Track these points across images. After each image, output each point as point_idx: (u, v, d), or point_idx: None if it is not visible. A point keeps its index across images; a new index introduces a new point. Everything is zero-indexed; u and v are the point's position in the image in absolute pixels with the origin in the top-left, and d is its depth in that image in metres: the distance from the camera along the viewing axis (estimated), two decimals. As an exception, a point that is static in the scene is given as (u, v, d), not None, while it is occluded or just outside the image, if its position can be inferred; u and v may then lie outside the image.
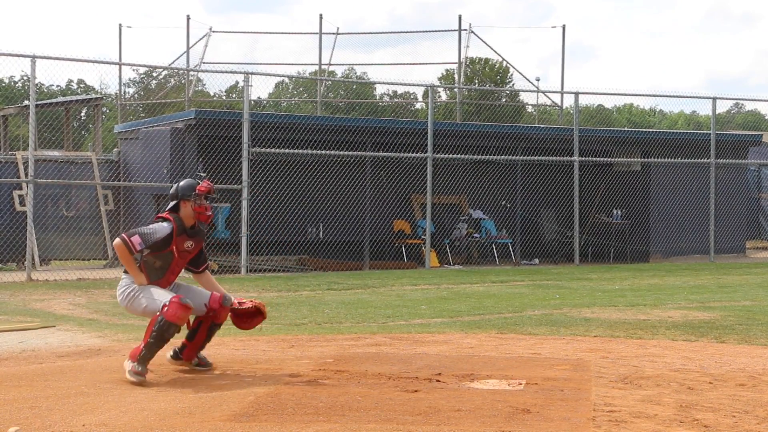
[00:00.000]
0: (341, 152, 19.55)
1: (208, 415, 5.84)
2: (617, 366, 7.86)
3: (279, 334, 9.81)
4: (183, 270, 7.48)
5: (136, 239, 7.08)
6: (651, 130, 38.63)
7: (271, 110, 34.12)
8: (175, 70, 28.62)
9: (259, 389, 6.65)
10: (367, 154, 19.96)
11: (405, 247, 20.97)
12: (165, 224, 7.25)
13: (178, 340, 7.42)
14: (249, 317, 7.54)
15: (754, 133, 28.79)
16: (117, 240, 7.13)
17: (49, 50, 68.42)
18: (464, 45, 25.98)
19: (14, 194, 18.50)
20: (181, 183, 7.41)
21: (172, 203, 7.37)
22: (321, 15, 26.89)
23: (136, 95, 39.26)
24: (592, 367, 7.76)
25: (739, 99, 41.30)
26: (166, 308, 6.93)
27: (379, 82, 32.53)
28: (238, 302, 7.49)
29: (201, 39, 26.57)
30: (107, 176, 19.71)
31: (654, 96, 42.85)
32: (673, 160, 22.54)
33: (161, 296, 7.08)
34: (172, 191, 7.41)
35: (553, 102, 28.08)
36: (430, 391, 6.65)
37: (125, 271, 7.28)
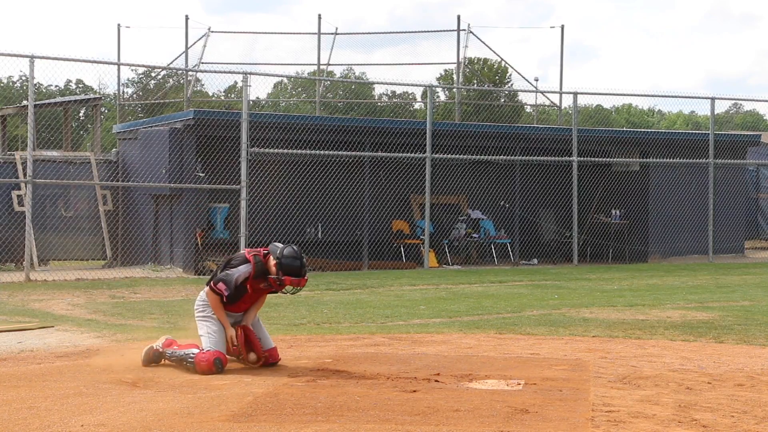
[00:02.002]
0: (340, 152, 19.54)
1: (206, 416, 5.84)
2: (616, 366, 7.86)
3: (278, 334, 9.80)
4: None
5: (221, 286, 7.48)
6: (649, 130, 38.65)
7: (270, 110, 34.11)
8: (174, 71, 28.61)
9: (258, 389, 6.66)
10: (365, 154, 19.96)
11: (404, 247, 20.97)
12: (245, 267, 7.52)
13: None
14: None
15: (752, 133, 28.82)
16: (207, 291, 7.56)
17: (47, 50, 68.47)
18: (463, 45, 25.99)
19: (13, 194, 18.49)
20: (287, 250, 7.48)
21: (268, 252, 7.56)
22: (320, 15, 26.90)
23: (134, 95, 39.27)
24: (590, 367, 7.76)
25: (738, 99, 41.21)
26: (201, 357, 7.29)
27: (378, 83, 32.45)
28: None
29: (200, 39, 26.56)
30: (106, 176, 19.70)
31: (652, 96, 42.85)
32: (671, 160, 22.54)
33: (212, 341, 7.42)
34: (277, 252, 7.49)
35: (551, 102, 28.09)
36: (429, 392, 6.65)
37: (208, 284, 7.62)
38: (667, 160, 22.57)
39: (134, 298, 13.94)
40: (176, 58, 26.76)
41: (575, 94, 22.25)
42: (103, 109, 31.61)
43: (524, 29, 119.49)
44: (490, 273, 18.77)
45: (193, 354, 7.32)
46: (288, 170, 19.80)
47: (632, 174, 23.15)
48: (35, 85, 17.12)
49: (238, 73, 19.52)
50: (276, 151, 18.52)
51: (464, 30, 26.03)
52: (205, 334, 7.47)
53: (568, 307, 12.80)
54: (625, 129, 36.90)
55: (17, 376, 7.15)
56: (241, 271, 7.52)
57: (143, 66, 44.12)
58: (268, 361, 7.61)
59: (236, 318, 7.68)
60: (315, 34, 26.96)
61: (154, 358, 7.54)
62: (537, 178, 22.49)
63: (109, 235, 19.39)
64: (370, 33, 70.95)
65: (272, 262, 7.51)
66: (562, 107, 27.31)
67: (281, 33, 70.82)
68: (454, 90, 29.67)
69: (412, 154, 20.02)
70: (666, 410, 6.14)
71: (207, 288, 7.59)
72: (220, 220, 19.57)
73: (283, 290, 7.64)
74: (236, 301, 7.60)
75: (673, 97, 25.43)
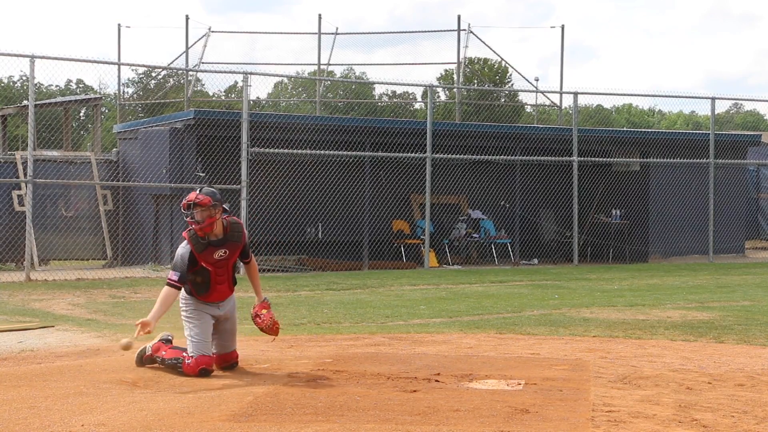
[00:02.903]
0: (340, 152, 19.54)
1: (206, 415, 5.84)
2: (616, 366, 7.86)
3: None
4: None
5: (172, 275, 7.27)
6: (650, 130, 38.67)
7: (270, 110, 34.10)
8: (174, 70, 28.63)
9: (258, 389, 6.65)
10: (366, 154, 19.96)
11: (404, 247, 20.97)
12: (183, 248, 7.33)
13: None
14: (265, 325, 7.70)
15: (753, 133, 28.84)
16: (164, 287, 7.27)
17: (48, 50, 68.44)
18: (463, 45, 25.99)
19: (13, 194, 18.49)
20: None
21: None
22: (320, 15, 26.90)
23: (135, 95, 39.27)
24: (590, 367, 7.76)
25: (738, 99, 41.25)
26: (188, 361, 7.18)
27: (378, 82, 32.48)
28: (259, 308, 7.68)
29: (200, 39, 26.57)
30: (106, 176, 19.70)
31: (653, 96, 42.74)
32: (671, 160, 22.54)
33: (197, 344, 7.22)
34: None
35: (552, 102, 28.10)
36: (429, 391, 6.65)
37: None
38: (668, 160, 22.57)
39: (135, 297, 13.94)
40: (176, 58, 26.80)
41: (575, 94, 22.24)
42: (103, 108, 31.62)
43: (524, 29, 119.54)
44: (491, 273, 18.76)
45: (181, 361, 7.22)
46: (288, 170, 19.80)
47: (632, 174, 23.14)
48: (36, 84, 17.12)
49: (239, 73, 19.51)
50: (276, 151, 18.52)
51: (464, 30, 26.04)
52: (188, 337, 7.28)
53: (569, 307, 12.80)
54: (625, 129, 36.92)
55: (18, 376, 7.15)
56: (181, 251, 7.28)
57: (144, 66, 44.16)
58: (221, 365, 7.41)
59: (229, 306, 7.47)
60: (315, 33, 26.97)
61: (147, 361, 7.44)
62: (537, 178, 22.49)
63: (109, 234, 19.39)
64: (370, 33, 71.02)
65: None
66: (563, 107, 27.32)
67: (281, 33, 70.86)
68: (455, 90, 29.67)
69: (413, 154, 20.02)
70: (666, 410, 6.14)
71: (178, 253, 7.28)
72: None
73: (194, 220, 7.22)
74: (208, 286, 7.32)
75: (673, 97, 25.43)
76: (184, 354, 7.24)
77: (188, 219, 7.29)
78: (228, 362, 7.46)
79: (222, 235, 7.39)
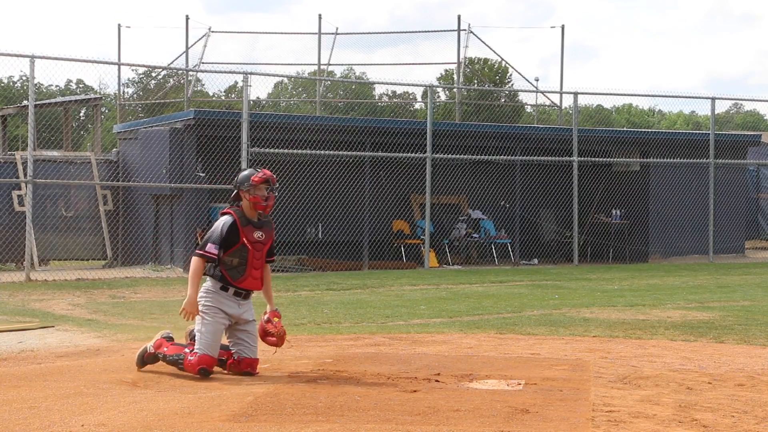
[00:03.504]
0: (340, 152, 19.54)
1: (207, 415, 5.84)
2: (616, 366, 7.86)
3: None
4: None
5: (209, 247, 7.12)
6: (650, 130, 38.66)
7: (270, 110, 34.11)
8: (174, 70, 28.62)
9: (258, 389, 6.65)
10: (366, 154, 19.96)
11: (404, 247, 20.97)
12: (226, 218, 7.23)
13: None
14: (266, 334, 7.53)
15: (753, 133, 28.83)
16: (193, 259, 7.15)
17: (48, 50, 68.44)
18: (463, 45, 26.00)
19: (13, 194, 18.49)
20: (240, 174, 7.35)
21: (236, 200, 7.34)
22: (320, 15, 26.90)
23: (135, 95, 39.28)
24: (591, 367, 7.76)
25: (738, 99, 41.18)
26: (190, 358, 7.09)
27: (378, 82, 32.50)
28: (270, 315, 7.47)
29: (200, 39, 26.58)
30: (106, 176, 19.70)
31: (653, 96, 42.75)
32: (672, 160, 22.54)
33: (206, 342, 7.10)
34: (236, 184, 7.35)
35: (552, 102, 28.10)
36: (429, 391, 6.65)
37: (210, 275, 7.25)
38: (668, 160, 22.57)
39: (135, 298, 13.94)
40: (177, 58, 26.80)
41: (575, 94, 22.24)
42: (103, 109, 31.61)
43: (524, 29, 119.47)
44: (491, 273, 18.76)
45: (183, 358, 7.13)
46: (288, 170, 19.79)
47: (632, 174, 23.15)
48: (36, 85, 17.12)
49: (239, 73, 19.50)
50: (276, 151, 18.52)
51: (464, 30, 26.04)
52: (198, 332, 7.16)
53: (569, 307, 12.80)
54: (625, 129, 36.91)
55: (18, 376, 7.15)
56: (224, 223, 7.15)
57: (144, 66, 44.22)
58: (243, 368, 7.26)
59: (248, 308, 7.31)
60: (315, 34, 26.98)
61: (149, 360, 7.31)
62: (537, 178, 22.49)
63: (109, 235, 19.39)
64: (370, 33, 71.03)
65: (243, 197, 7.24)
66: (563, 107, 27.32)
67: (281, 33, 70.86)
68: (455, 90, 29.68)
69: (413, 154, 20.02)
70: (666, 410, 6.14)
71: (193, 258, 7.16)
72: (220, 220, 19.55)
73: (266, 196, 7.22)
74: (244, 269, 7.19)
75: (673, 97, 25.45)
76: (186, 350, 7.16)
77: (254, 195, 7.20)
78: (251, 367, 7.25)
79: (257, 220, 7.34)
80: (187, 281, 7.21)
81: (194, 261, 7.18)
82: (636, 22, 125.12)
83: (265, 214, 7.41)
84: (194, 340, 7.25)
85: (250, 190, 7.25)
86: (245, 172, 7.35)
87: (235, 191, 7.33)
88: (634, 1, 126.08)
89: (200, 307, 7.19)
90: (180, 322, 7.50)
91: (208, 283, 7.28)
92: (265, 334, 7.46)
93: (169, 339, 7.41)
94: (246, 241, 7.21)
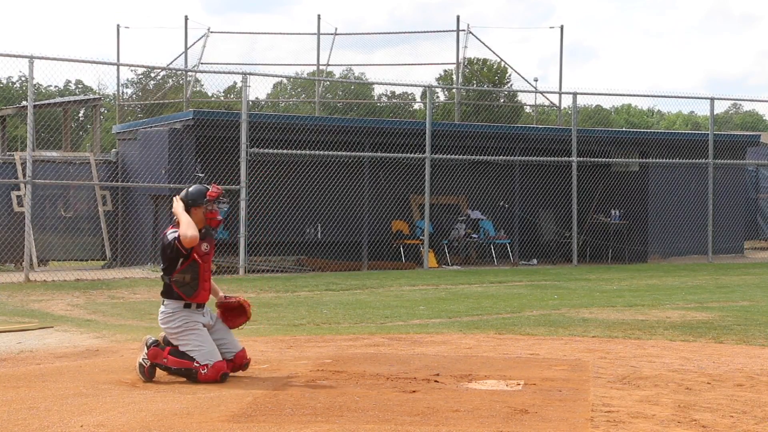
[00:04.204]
0: (339, 153, 19.54)
1: (206, 416, 5.84)
2: (615, 366, 7.86)
3: (277, 335, 9.81)
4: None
5: (180, 238, 7.13)
6: (649, 130, 38.66)
7: (270, 111, 34.09)
8: (174, 71, 28.61)
9: (257, 390, 6.66)
10: (365, 154, 19.95)
11: (403, 247, 20.96)
12: (173, 230, 7.25)
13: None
14: (234, 316, 7.52)
15: (752, 133, 28.83)
16: (174, 241, 7.17)
17: (47, 51, 68.42)
18: (462, 45, 26.00)
19: (12, 195, 18.49)
20: (191, 189, 7.43)
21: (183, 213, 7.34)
22: (319, 15, 26.89)
23: (134, 96, 39.26)
24: (590, 368, 7.76)
25: (738, 99, 41.26)
26: (205, 371, 7.00)
27: (377, 83, 32.48)
28: (225, 297, 7.55)
29: (199, 39, 26.55)
30: (105, 177, 19.69)
31: (652, 96, 42.84)
32: (671, 160, 22.55)
33: (208, 353, 7.07)
34: (181, 196, 7.40)
35: (551, 102, 28.09)
36: (429, 392, 6.65)
37: (166, 296, 7.26)
38: (667, 160, 22.57)
39: (134, 298, 13.94)
40: (176, 59, 26.77)
41: (575, 94, 22.24)
42: (102, 109, 31.61)
43: (524, 29, 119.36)
44: (490, 273, 18.76)
45: (194, 371, 7.02)
46: (287, 171, 19.80)
47: (632, 174, 23.15)
48: (35, 85, 17.12)
49: (238, 73, 19.50)
50: (275, 151, 18.52)
51: (464, 30, 26.05)
52: (195, 348, 7.07)
53: (568, 307, 12.80)
54: (624, 129, 36.90)
55: (17, 377, 7.15)
56: (175, 238, 7.19)
57: (143, 66, 44.21)
58: (239, 364, 7.27)
59: (209, 312, 7.34)
60: (314, 34, 26.96)
61: (151, 373, 7.12)
62: (536, 179, 22.49)
63: (108, 235, 19.39)
64: (369, 33, 70.89)
65: (195, 212, 7.28)
66: (562, 107, 27.34)
67: (281, 33, 70.58)
68: (454, 90, 29.68)
69: (412, 155, 20.02)
70: (665, 410, 6.14)
71: (170, 238, 7.17)
72: (219, 221, 19.54)
73: (216, 211, 7.33)
74: (196, 284, 7.19)
75: (672, 97, 25.58)
76: (195, 365, 7.02)
77: (210, 210, 7.33)
78: (244, 358, 7.29)
79: (199, 231, 7.32)
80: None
81: (183, 239, 7.14)
82: (635, 22, 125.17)
83: (214, 228, 7.54)
84: (172, 345, 7.17)
85: (206, 205, 7.34)
86: (198, 188, 7.43)
87: (187, 207, 7.33)
88: (634, 2, 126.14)
89: (175, 330, 7.16)
90: (160, 330, 7.44)
91: (168, 306, 7.24)
92: (230, 317, 7.46)
93: (157, 344, 7.21)
94: (196, 256, 7.24)
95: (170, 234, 7.26)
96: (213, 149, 18.69)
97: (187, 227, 7.15)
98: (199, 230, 7.30)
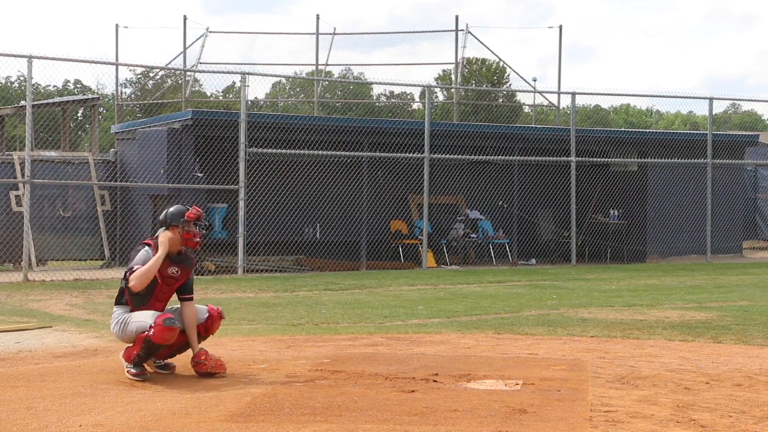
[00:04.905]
0: (338, 152, 19.54)
1: (204, 416, 5.84)
2: (614, 366, 7.86)
3: (276, 335, 9.81)
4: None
5: (132, 275, 7.10)
6: (648, 130, 38.66)
7: (268, 110, 34.09)
8: (172, 71, 28.61)
9: (256, 389, 6.66)
10: (364, 154, 19.96)
11: (402, 247, 20.96)
12: (146, 249, 7.23)
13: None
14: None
15: (750, 133, 28.88)
16: (127, 287, 7.16)
17: (45, 50, 68.38)
18: (461, 45, 26.01)
19: (11, 195, 18.47)
20: (170, 209, 7.39)
21: (160, 229, 7.34)
22: (318, 15, 26.87)
23: (132, 95, 39.24)
24: (589, 368, 7.77)
25: (736, 99, 41.16)
26: (152, 330, 6.96)
27: (376, 83, 32.46)
28: (201, 356, 7.26)
29: (198, 39, 26.55)
30: (104, 177, 19.68)
31: (651, 96, 42.90)
32: (669, 160, 22.55)
33: (149, 318, 7.05)
34: (161, 217, 7.37)
35: (550, 102, 28.10)
36: (427, 392, 6.65)
37: (116, 303, 7.28)
38: (666, 160, 22.58)
39: (132, 298, 13.91)
40: (174, 59, 26.76)
41: (573, 94, 22.25)
42: (101, 109, 31.58)
43: (523, 29, 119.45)
44: (489, 273, 18.76)
45: (148, 339, 6.94)
46: (286, 170, 19.79)
47: (630, 174, 23.16)
48: (33, 85, 17.11)
49: (237, 73, 19.49)
50: (274, 151, 18.51)
51: (462, 30, 26.06)
52: (139, 322, 7.02)
53: (567, 307, 12.80)
54: (623, 129, 36.93)
55: (15, 377, 7.15)
56: (143, 256, 7.15)
57: (141, 66, 44.17)
58: (215, 316, 7.31)
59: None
60: (313, 34, 26.95)
61: (140, 370, 7.08)
62: (535, 179, 22.49)
63: (107, 235, 19.38)
64: (368, 33, 71.01)
65: (173, 231, 7.23)
66: (561, 107, 27.35)
67: (280, 33, 70.71)
68: (453, 90, 29.69)
69: (411, 155, 20.03)
70: (664, 410, 6.14)
71: (124, 283, 7.17)
72: (218, 221, 19.56)
73: (197, 237, 7.27)
74: (148, 300, 7.16)
75: (671, 97, 25.47)
76: (145, 334, 6.98)
77: (187, 231, 7.27)
78: (219, 314, 7.33)
79: (177, 254, 7.32)
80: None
81: (133, 284, 7.09)
82: (635, 22, 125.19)
83: (193, 250, 7.46)
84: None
85: (183, 226, 7.28)
86: (177, 208, 7.39)
87: (165, 226, 7.30)
88: (633, 2, 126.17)
89: (119, 328, 7.18)
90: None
91: (115, 312, 7.24)
92: (206, 371, 7.23)
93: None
94: (157, 275, 7.17)
95: (135, 260, 7.20)
96: (212, 149, 18.69)
97: (145, 272, 7.06)
98: (178, 252, 7.29)
